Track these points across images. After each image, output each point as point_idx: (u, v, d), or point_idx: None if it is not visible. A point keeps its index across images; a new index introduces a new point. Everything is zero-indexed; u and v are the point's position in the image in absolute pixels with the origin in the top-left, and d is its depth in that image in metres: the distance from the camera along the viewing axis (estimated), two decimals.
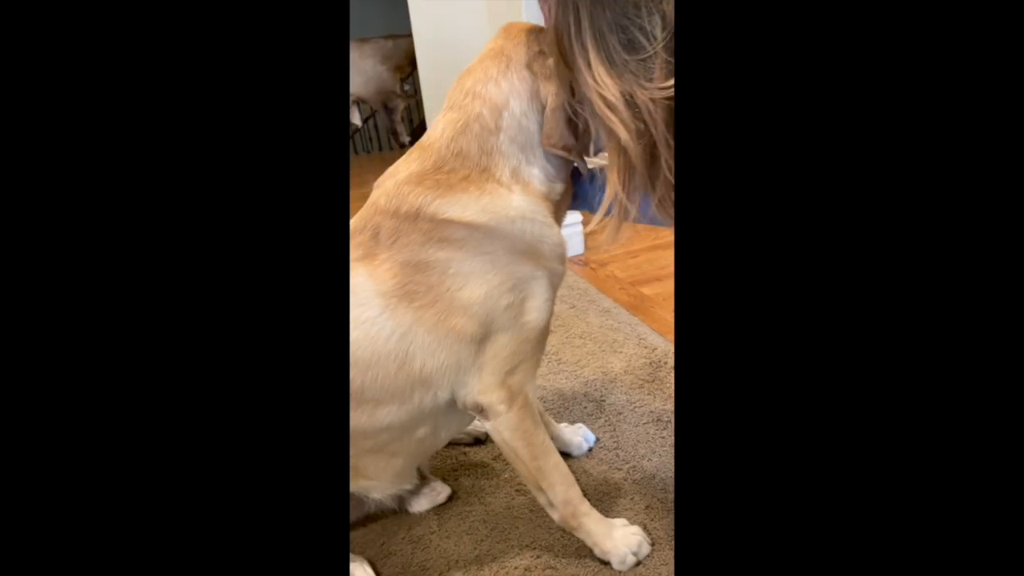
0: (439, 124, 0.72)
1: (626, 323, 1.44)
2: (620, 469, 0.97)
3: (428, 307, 0.66)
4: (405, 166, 0.72)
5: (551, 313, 0.74)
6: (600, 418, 1.10)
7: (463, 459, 1.04)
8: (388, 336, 0.66)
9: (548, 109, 0.68)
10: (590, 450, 1.01)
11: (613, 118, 0.59)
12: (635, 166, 0.61)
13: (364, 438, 0.72)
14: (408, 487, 0.85)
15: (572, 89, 0.66)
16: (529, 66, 0.70)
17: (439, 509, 0.93)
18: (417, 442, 0.76)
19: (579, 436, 1.01)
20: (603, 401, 1.15)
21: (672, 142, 0.59)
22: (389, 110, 4.27)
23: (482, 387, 0.70)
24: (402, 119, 4.31)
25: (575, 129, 0.69)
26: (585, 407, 1.14)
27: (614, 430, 1.06)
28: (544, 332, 0.73)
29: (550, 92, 0.68)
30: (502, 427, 0.72)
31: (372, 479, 0.78)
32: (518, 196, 0.70)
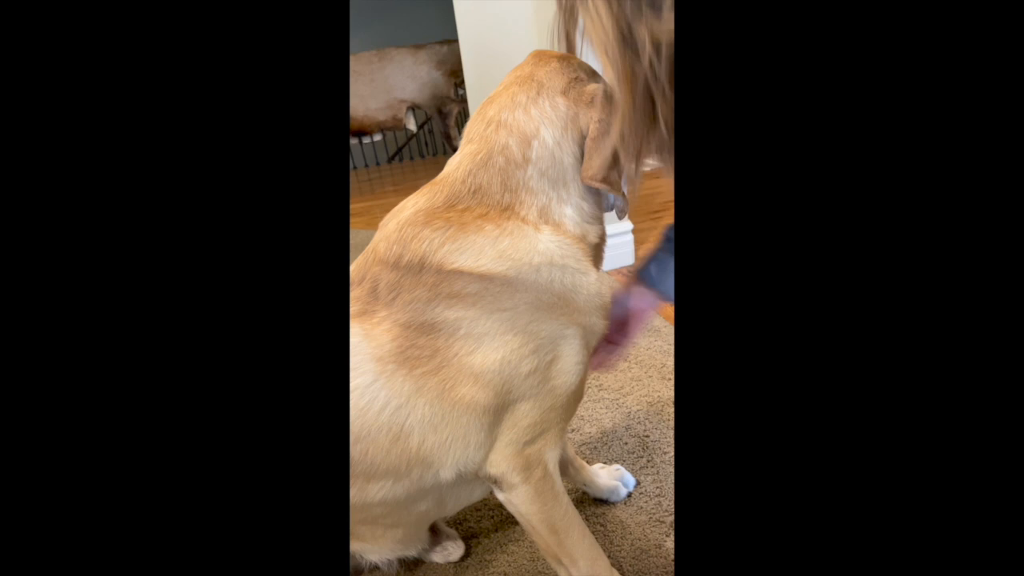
0: (456, 158, 0.63)
1: None
2: (663, 522, 0.85)
3: (431, 375, 0.56)
4: (412, 202, 0.62)
5: (585, 376, 0.62)
6: (643, 457, 0.98)
7: (488, 499, 0.95)
8: (381, 408, 0.56)
9: (590, 139, 0.58)
10: (629, 495, 0.90)
11: (604, 59, 0.50)
12: (627, 124, 0.52)
13: (355, 511, 0.63)
14: (413, 554, 0.76)
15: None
16: (565, 93, 0.60)
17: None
18: (419, 515, 0.66)
19: (616, 480, 0.89)
20: (647, 437, 1.03)
21: (671, 95, 0.49)
22: (443, 115, 4.27)
23: (495, 457, 0.59)
24: (455, 123, 4.29)
25: (618, 162, 0.59)
26: (626, 443, 1.02)
27: (658, 473, 0.94)
28: (576, 396, 0.62)
29: (592, 120, 0.58)
30: (516, 500, 0.61)
31: (369, 543, 0.70)
32: (547, 236, 0.59)
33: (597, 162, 0.58)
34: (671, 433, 1.03)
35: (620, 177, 0.60)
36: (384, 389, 0.56)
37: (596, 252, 0.64)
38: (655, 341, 1.34)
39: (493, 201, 0.59)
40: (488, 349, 0.55)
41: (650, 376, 1.21)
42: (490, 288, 0.56)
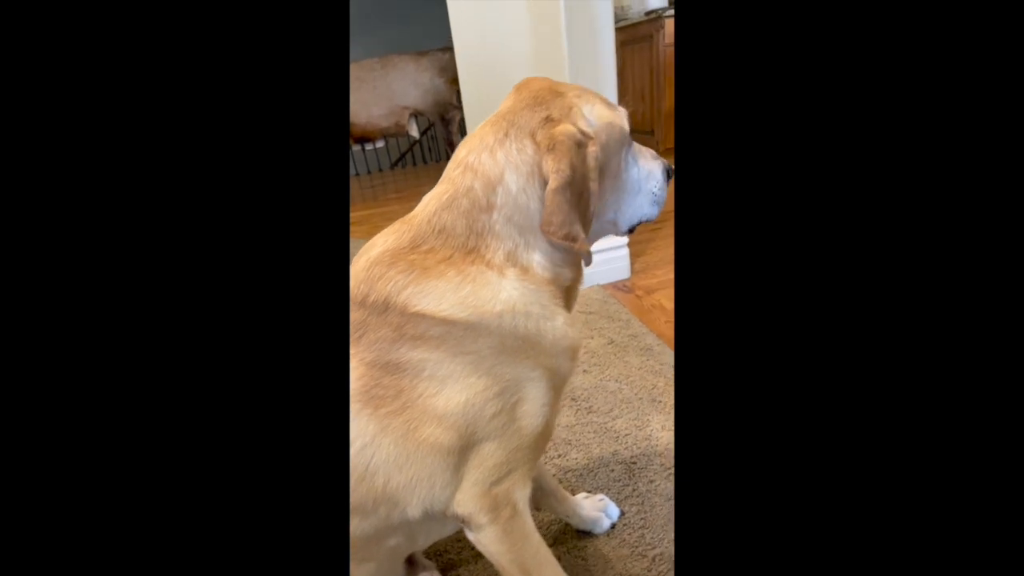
0: (426, 197, 0.62)
1: (671, 366, 1.29)
2: (645, 556, 0.82)
3: (396, 415, 0.54)
4: (382, 240, 0.61)
5: (551, 417, 0.61)
6: (629, 486, 0.96)
7: None
8: None
9: (549, 189, 0.56)
10: (612, 527, 0.88)
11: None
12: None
13: None
14: None
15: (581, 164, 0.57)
16: (534, 135, 0.58)
17: None
18: (390, 550, 0.65)
19: (599, 511, 0.87)
20: (634, 464, 1.01)
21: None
22: (446, 121, 4.28)
23: (462, 497, 0.58)
24: (458, 130, 4.30)
25: (583, 214, 0.57)
26: (612, 470, 1.00)
27: (643, 503, 0.92)
28: (543, 437, 0.60)
29: (551, 169, 0.56)
30: (485, 540, 0.60)
31: None
32: (511, 283, 0.57)
33: (558, 217, 0.56)
34: (658, 460, 1.01)
35: (586, 231, 0.58)
36: (350, 428, 0.55)
37: (568, 294, 0.62)
38: (647, 361, 1.32)
39: (458, 243, 0.58)
40: (452, 391, 0.54)
41: (641, 399, 1.18)
42: (453, 332, 0.55)
